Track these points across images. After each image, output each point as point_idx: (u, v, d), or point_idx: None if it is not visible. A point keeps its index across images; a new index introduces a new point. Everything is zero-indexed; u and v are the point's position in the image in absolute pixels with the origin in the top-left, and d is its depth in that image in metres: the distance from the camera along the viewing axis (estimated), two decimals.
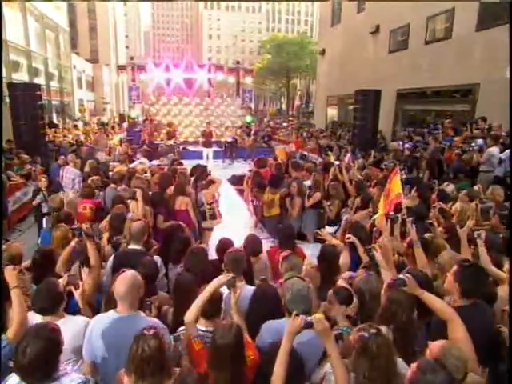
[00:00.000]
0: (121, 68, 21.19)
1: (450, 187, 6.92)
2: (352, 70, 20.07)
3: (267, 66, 56.09)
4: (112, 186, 6.08)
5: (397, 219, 3.87)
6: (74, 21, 39.55)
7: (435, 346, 1.96)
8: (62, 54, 28.14)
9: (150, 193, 6.02)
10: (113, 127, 20.93)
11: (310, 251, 5.78)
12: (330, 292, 2.69)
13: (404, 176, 8.00)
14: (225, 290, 2.71)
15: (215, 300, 2.50)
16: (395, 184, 3.50)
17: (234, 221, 7.64)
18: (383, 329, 2.07)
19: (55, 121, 23.23)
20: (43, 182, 6.77)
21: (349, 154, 11.37)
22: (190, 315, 2.39)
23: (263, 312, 2.59)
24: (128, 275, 2.45)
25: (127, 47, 63.87)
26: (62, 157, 8.84)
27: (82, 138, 15.03)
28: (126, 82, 23.42)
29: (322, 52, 24.98)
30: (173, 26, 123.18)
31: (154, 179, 6.66)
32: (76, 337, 2.52)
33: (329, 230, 6.41)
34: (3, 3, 17.82)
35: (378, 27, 18.02)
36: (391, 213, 3.83)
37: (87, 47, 45.09)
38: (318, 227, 6.68)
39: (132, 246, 3.54)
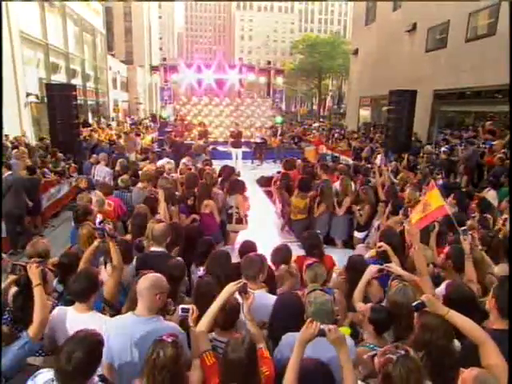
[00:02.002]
0: (153, 69, 21.60)
1: (490, 193, 6.49)
2: (386, 70, 19.50)
3: (299, 66, 55.69)
4: (138, 186, 6.09)
5: (433, 228, 3.61)
6: (110, 23, 40.86)
7: (469, 376, 1.71)
8: (98, 56, 29.04)
9: (177, 193, 6.03)
10: (146, 127, 21.36)
11: (338, 257, 5.59)
12: (366, 306, 2.49)
13: (440, 181, 7.59)
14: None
15: (231, 310, 2.38)
16: (434, 198, 3.22)
17: (261, 223, 7.52)
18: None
19: (90, 120, 24.00)
20: (84, 183, 6.88)
21: (379, 156, 11.00)
22: (201, 325, 2.28)
23: (285, 322, 2.44)
24: (154, 275, 2.41)
25: (161, 49, 65.31)
26: (95, 155, 9.05)
27: (114, 137, 15.39)
28: (158, 82, 23.83)
29: (355, 52, 24.49)
30: (206, 28, 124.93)
31: (180, 179, 6.65)
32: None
33: (358, 235, 6.19)
34: (46, 9, 18.62)
35: (414, 25, 17.43)
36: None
37: (122, 49, 46.46)
38: (347, 232, 6.48)
39: (154, 249, 3.48)
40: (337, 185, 6.76)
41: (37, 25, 17.72)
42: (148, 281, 2.34)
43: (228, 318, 2.37)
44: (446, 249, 3.16)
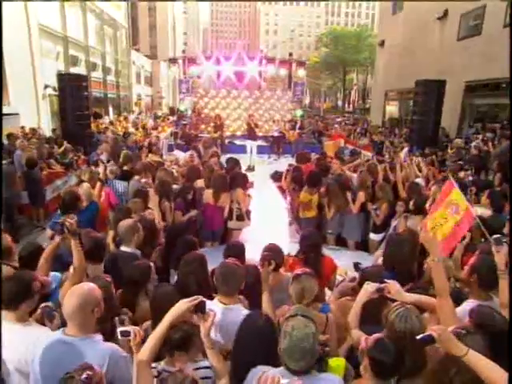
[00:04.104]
0: (172, 61, 21.32)
1: None
2: (414, 61, 18.45)
3: (323, 59, 54.37)
4: (136, 177, 5.71)
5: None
6: (135, 19, 40.90)
7: None
8: (121, 50, 29.08)
9: (175, 186, 5.62)
10: (163, 120, 21.25)
11: (350, 260, 5.01)
12: (371, 337, 1.90)
13: (470, 178, 6.82)
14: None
15: (184, 331, 1.88)
16: (458, 197, 2.56)
17: (269, 219, 7.05)
18: None
19: (111, 113, 24.05)
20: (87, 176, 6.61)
21: (405, 149, 10.33)
22: (143, 353, 1.80)
23: (249, 354, 1.88)
24: (80, 290, 1.91)
25: (185, 44, 65.36)
26: (101, 147, 8.78)
27: (130, 129, 15.23)
28: (178, 75, 23.63)
29: (382, 43, 23.43)
30: (231, 23, 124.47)
31: (180, 171, 6.22)
32: (27, 351, 2.05)
33: (374, 237, 5.57)
34: (66, 2, 18.59)
35: (446, 12, 16.30)
36: None
37: (147, 44, 46.57)
38: (362, 233, 5.87)
39: (123, 248, 3.02)
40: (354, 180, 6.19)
41: (56, 17, 17.70)
42: (77, 299, 1.85)
43: (178, 341, 1.87)
44: (472, 259, 2.50)
